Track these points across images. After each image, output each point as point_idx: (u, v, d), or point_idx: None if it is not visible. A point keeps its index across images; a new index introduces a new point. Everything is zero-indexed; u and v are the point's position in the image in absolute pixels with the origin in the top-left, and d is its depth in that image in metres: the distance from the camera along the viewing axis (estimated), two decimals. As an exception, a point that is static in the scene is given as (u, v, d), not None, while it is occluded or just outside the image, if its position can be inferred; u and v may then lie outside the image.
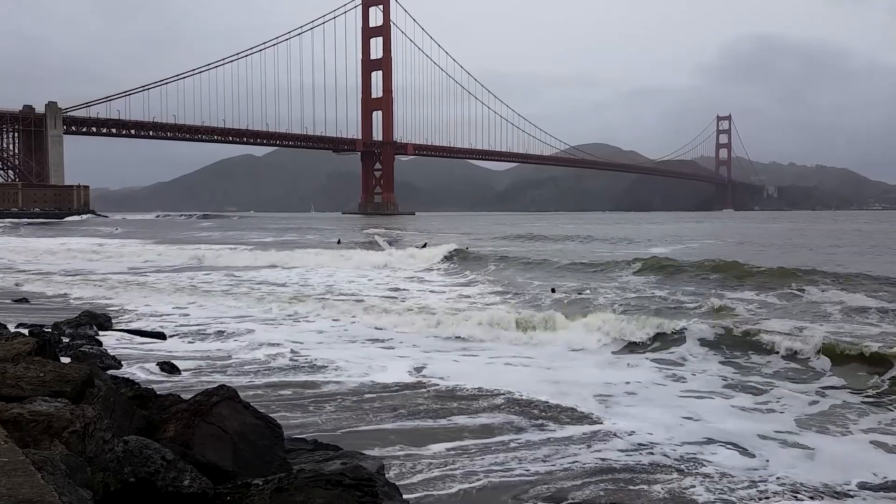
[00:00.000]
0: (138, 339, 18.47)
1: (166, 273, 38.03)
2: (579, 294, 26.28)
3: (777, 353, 15.47)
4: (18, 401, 6.62)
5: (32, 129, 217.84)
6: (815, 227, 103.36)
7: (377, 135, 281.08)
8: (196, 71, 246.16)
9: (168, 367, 14.47)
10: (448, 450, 9.94)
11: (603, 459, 9.57)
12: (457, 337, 18.81)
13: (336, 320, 21.66)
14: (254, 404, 8.17)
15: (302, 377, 14.45)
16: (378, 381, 13.97)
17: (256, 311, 23.84)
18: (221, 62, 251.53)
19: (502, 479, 8.88)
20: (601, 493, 8.50)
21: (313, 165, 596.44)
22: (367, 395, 12.92)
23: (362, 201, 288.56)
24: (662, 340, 17.14)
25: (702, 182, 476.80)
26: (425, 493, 8.42)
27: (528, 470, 9.18)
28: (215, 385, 8.16)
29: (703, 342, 16.75)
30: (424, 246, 52.70)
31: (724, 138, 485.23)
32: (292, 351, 16.95)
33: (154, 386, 10.92)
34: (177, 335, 19.21)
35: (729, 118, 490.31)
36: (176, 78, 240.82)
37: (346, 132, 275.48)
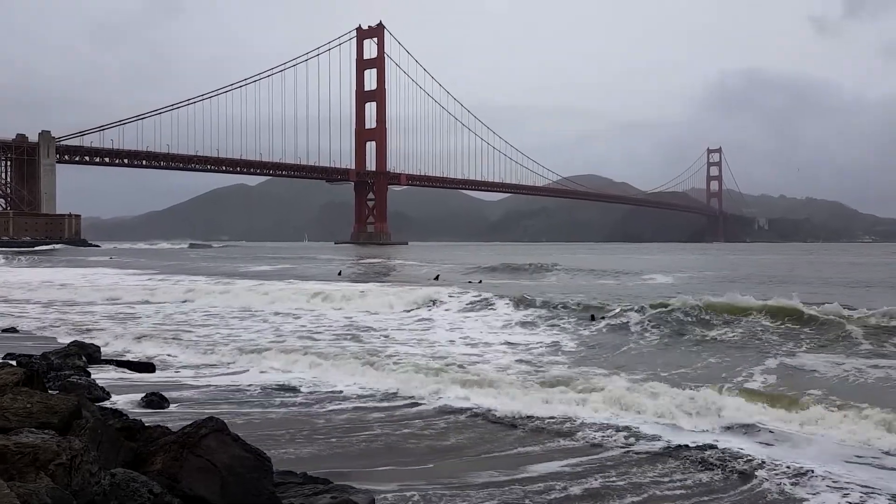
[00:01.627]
0: (128, 370, 18.33)
1: (159, 304, 37.79)
2: (620, 321, 26.34)
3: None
4: (4, 432, 6.55)
5: (25, 157, 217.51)
6: (804, 259, 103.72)
7: (371, 165, 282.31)
8: (191, 101, 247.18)
9: (157, 399, 14.34)
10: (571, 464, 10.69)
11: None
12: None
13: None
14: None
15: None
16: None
17: (259, 340, 23.67)
18: (216, 92, 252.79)
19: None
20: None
21: (306, 195, 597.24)
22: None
23: (355, 231, 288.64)
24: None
25: (693, 214, 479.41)
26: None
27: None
28: (204, 417, 8.10)
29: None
30: (437, 278, 52.00)
31: (714, 171, 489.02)
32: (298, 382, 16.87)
33: (142, 418, 10.80)
34: (167, 367, 19.07)
35: (719, 151, 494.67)
36: (170, 108, 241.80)
37: (340, 162, 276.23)
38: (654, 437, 12.13)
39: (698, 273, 59.78)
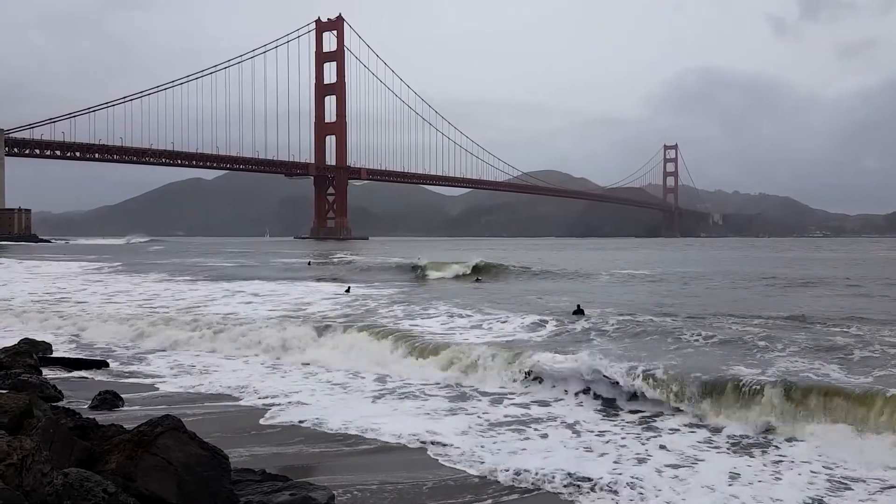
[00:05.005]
0: (81, 367, 17.97)
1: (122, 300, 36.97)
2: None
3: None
4: (-48, 433, 6.40)
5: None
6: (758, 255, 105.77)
7: (331, 159, 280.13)
8: (145, 93, 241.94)
9: (111, 397, 14.09)
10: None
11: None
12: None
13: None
14: (200, 434, 7.97)
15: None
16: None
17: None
18: (171, 84, 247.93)
19: None
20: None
21: (264, 190, 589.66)
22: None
23: (315, 226, 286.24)
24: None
25: (650, 209, 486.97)
26: None
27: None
28: (160, 415, 8.00)
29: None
30: (424, 268, 50.38)
31: (670, 167, 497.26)
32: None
33: (97, 416, 10.63)
34: (121, 363, 18.74)
35: (675, 147, 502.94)
36: (124, 100, 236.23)
37: (299, 156, 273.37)
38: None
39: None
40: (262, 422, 12.89)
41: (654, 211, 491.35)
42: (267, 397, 14.83)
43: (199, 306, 30.68)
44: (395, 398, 14.84)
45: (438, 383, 16.05)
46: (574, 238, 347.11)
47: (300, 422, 12.79)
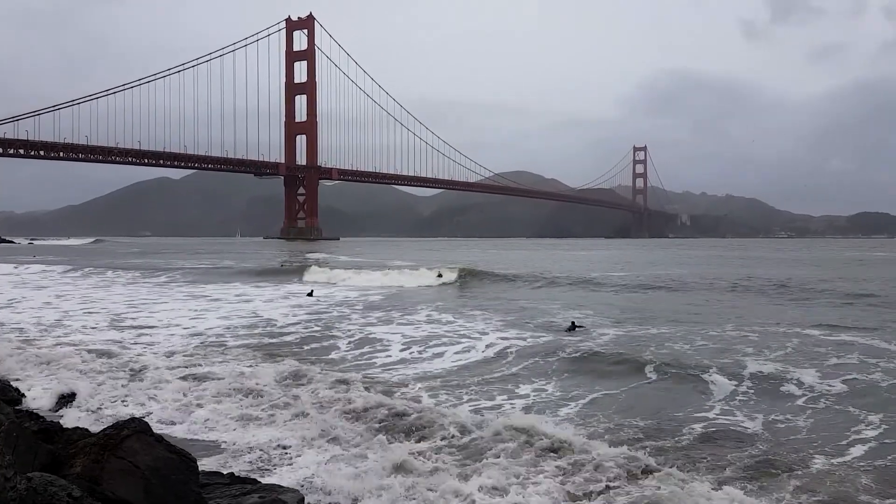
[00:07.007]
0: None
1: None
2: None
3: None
4: (-90, 438, 6.25)
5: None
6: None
7: (301, 159, 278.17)
8: (111, 91, 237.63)
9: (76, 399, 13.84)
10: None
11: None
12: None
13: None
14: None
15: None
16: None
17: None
18: (138, 82, 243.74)
19: None
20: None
21: (233, 189, 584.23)
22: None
23: (285, 226, 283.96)
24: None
25: (620, 210, 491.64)
26: None
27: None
28: (127, 417, 7.91)
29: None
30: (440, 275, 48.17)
31: (640, 168, 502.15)
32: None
33: (60, 419, 10.46)
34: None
35: (644, 149, 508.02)
36: (89, 98, 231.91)
37: (269, 156, 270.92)
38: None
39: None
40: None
41: (623, 212, 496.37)
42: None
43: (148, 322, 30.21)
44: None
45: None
46: (546, 238, 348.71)
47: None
